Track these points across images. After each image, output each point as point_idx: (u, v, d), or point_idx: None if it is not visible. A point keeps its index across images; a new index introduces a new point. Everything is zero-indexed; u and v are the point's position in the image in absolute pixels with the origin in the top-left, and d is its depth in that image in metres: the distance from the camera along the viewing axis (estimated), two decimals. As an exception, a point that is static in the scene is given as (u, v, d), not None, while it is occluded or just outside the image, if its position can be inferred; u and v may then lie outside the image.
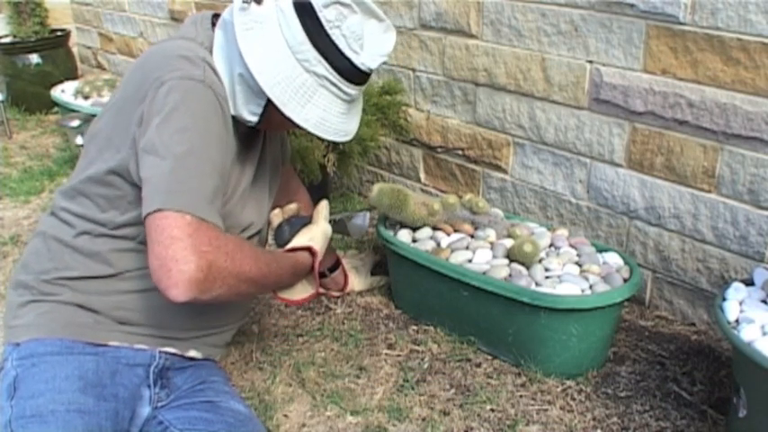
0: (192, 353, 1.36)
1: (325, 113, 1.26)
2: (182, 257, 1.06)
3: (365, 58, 1.25)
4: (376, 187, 1.85)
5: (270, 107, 1.25)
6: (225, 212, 1.30)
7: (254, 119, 1.27)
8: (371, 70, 1.28)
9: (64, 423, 1.15)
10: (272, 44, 1.21)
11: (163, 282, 1.06)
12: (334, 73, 1.23)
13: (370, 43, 1.27)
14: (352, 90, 1.28)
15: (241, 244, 1.21)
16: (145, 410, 1.29)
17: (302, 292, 1.51)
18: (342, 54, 1.23)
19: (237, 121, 1.32)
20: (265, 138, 1.45)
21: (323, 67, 1.22)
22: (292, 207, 1.58)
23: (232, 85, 1.24)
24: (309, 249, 1.49)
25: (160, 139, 1.13)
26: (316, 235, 1.53)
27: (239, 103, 1.25)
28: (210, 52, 1.25)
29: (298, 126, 1.25)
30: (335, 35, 1.21)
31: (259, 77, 1.19)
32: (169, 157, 1.11)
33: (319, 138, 1.37)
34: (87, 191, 1.27)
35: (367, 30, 1.26)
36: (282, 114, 1.23)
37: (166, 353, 1.32)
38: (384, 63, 1.43)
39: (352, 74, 1.25)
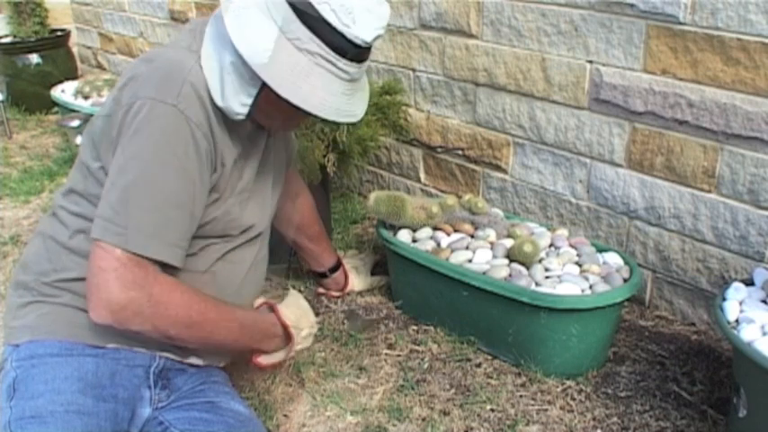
0: (193, 359, 1.35)
1: (325, 93, 1.21)
2: (104, 287, 1.13)
3: (358, 31, 1.20)
4: (372, 196, 1.86)
5: (263, 96, 1.22)
6: (222, 212, 1.30)
7: (244, 110, 1.23)
8: (368, 44, 1.23)
9: (63, 424, 1.15)
10: (262, 26, 1.18)
11: (87, 301, 1.16)
12: (328, 49, 1.19)
13: (363, 16, 1.21)
14: (349, 68, 1.23)
15: (172, 288, 1.19)
16: (145, 411, 1.28)
17: (279, 356, 1.46)
18: (333, 28, 1.18)
19: (238, 122, 1.31)
20: (269, 140, 1.45)
21: (315, 44, 1.18)
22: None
23: (221, 77, 1.21)
24: (267, 304, 1.42)
25: (117, 162, 1.17)
26: (287, 300, 1.49)
27: (229, 94, 1.21)
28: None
29: (298, 109, 1.21)
30: (324, 10, 1.17)
31: (251, 60, 1.17)
32: (118, 185, 1.15)
33: (323, 120, 1.32)
34: (83, 190, 1.28)
35: (357, 3, 1.21)
36: (279, 98, 1.19)
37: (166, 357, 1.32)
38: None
39: (346, 49, 1.20)
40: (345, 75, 1.23)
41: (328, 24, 1.18)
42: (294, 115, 1.28)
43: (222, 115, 1.27)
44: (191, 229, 1.23)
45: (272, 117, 1.30)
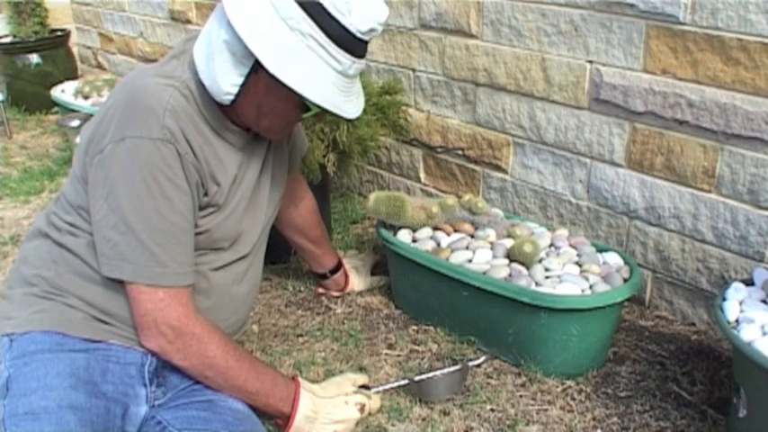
0: None
1: (316, 77, 1.20)
2: (153, 326, 1.24)
3: (353, 20, 1.20)
4: (372, 196, 1.86)
5: (253, 80, 1.22)
6: (215, 225, 1.32)
7: (233, 90, 1.23)
8: (362, 35, 1.22)
9: (57, 419, 1.15)
10: (258, 4, 1.18)
11: (140, 335, 1.27)
12: (320, 32, 1.19)
13: (360, 7, 1.21)
14: (342, 57, 1.22)
15: (212, 330, 1.28)
16: (142, 409, 1.28)
17: None
18: (327, 13, 1.18)
19: (235, 134, 1.32)
20: (269, 151, 1.45)
21: (307, 25, 1.18)
22: None
23: (210, 55, 1.22)
24: (294, 378, 1.43)
25: (118, 204, 1.19)
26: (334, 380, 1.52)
27: (219, 74, 1.21)
28: (189, 87, 1.25)
29: (288, 90, 1.19)
30: None
31: (242, 32, 1.16)
32: (130, 226, 1.19)
33: (321, 113, 1.27)
34: (70, 193, 1.30)
35: None
36: (269, 84, 1.20)
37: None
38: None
39: (340, 36, 1.20)
40: (338, 64, 1.22)
41: (323, 8, 1.18)
42: (282, 110, 1.27)
43: (213, 132, 1.28)
44: (194, 246, 1.30)
45: (260, 110, 1.29)
